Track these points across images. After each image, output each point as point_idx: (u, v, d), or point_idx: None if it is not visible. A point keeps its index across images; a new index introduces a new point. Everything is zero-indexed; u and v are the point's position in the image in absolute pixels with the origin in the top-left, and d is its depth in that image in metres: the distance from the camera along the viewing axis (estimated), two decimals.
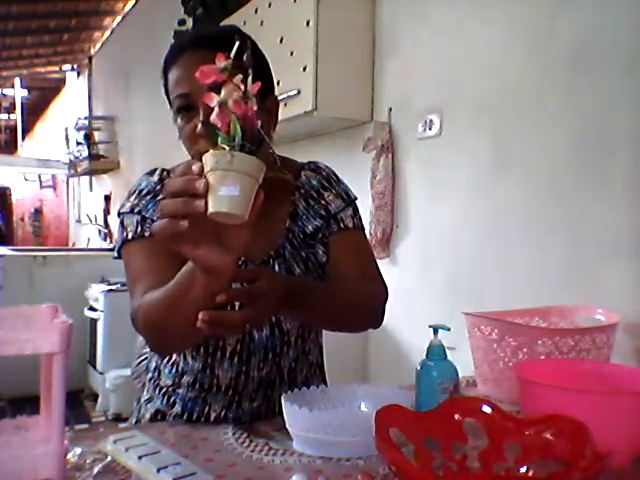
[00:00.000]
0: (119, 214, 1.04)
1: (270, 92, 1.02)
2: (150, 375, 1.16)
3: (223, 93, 0.67)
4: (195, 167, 0.65)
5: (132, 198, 1.03)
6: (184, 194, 0.65)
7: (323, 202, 1.09)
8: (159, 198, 0.99)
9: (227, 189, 0.63)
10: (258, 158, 0.66)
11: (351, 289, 1.03)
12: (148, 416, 1.11)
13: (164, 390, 1.10)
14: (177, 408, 1.08)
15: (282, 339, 1.05)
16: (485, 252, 1.92)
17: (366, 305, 1.05)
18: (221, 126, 0.67)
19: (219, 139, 0.66)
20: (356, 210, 1.13)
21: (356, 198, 1.15)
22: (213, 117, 0.67)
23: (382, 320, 1.10)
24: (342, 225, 1.09)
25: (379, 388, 1.00)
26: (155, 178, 1.05)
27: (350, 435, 0.85)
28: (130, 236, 0.99)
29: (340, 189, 1.12)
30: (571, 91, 1.65)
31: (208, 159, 0.65)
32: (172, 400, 1.09)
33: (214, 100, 0.67)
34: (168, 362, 1.09)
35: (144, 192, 1.03)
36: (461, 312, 1.28)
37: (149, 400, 1.13)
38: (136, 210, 1.01)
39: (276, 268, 1.03)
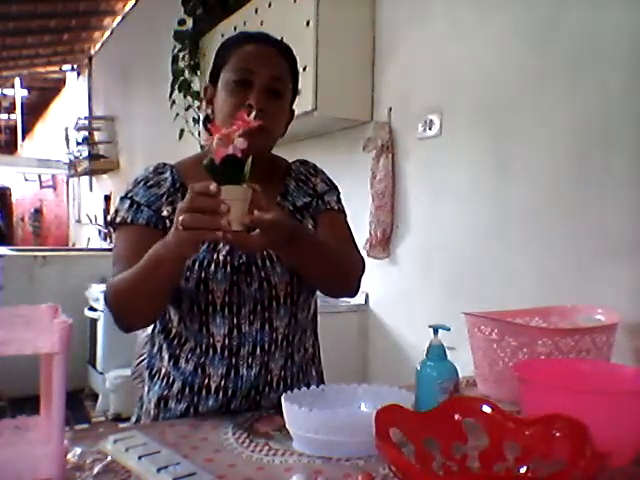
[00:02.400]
0: (120, 199, 1.17)
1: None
2: (151, 362, 1.18)
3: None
4: (213, 188, 0.82)
5: (130, 186, 1.15)
6: (208, 211, 0.82)
7: (311, 184, 1.22)
8: (149, 184, 1.13)
9: (244, 214, 0.85)
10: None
11: (338, 251, 1.14)
12: (152, 406, 1.13)
13: (162, 372, 1.13)
14: (177, 385, 1.11)
15: (270, 292, 1.11)
16: (485, 252, 1.92)
17: (348, 269, 1.16)
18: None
19: (240, 174, 0.84)
20: (340, 199, 1.25)
21: (340, 192, 1.27)
22: (232, 151, 0.82)
23: (357, 291, 1.19)
24: (329, 206, 1.21)
25: (379, 388, 1.01)
26: (150, 169, 1.17)
27: (350, 435, 0.86)
28: (118, 220, 1.11)
29: (325, 177, 1.26)
30: (571, 91, 1.65)
31: (235, 191, 0.83)
32: (171, 379, 1.12)
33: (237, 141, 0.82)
34: (168, 337, 1.14)
35: (139, 179, 1.15)
36: (461, 312, 1.28)
37: (149, 390, 1.16)
38: (129, 195, 1.13)
39: None
